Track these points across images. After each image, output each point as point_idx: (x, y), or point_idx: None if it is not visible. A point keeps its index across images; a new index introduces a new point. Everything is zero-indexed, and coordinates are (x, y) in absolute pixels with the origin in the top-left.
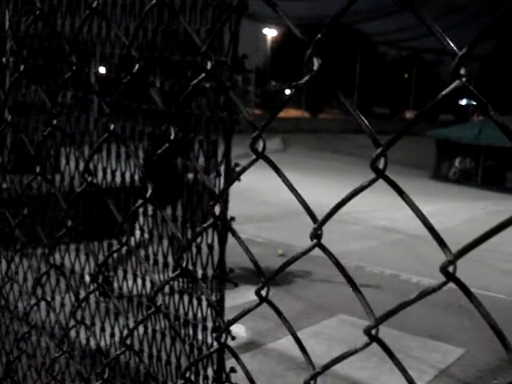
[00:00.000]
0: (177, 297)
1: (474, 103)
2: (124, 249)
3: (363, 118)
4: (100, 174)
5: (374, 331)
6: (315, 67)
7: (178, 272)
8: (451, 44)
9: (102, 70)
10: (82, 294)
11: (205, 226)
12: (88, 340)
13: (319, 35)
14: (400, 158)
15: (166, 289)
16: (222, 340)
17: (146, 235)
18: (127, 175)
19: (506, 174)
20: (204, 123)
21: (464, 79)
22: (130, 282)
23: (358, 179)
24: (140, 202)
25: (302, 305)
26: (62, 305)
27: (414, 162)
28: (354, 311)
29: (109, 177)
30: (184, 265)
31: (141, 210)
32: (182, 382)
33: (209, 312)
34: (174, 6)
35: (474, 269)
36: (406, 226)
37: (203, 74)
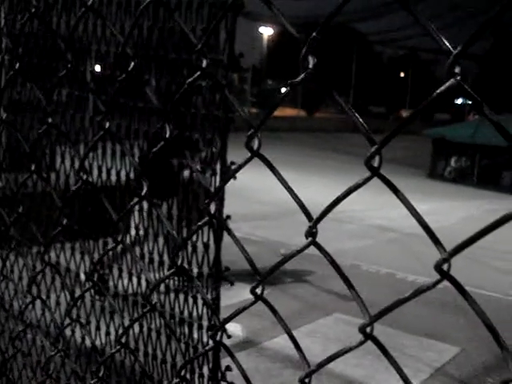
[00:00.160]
0: (172, 295)
1: (470, 102)
2: (119, 247)
3: (358, 116)
4: (94, 173)
5: (368, 329)
6: (310, 65)
7: (173, 270)
8: (446, 43)
9: (98, 68)
10: (78, 292)
11: (200, 224)
12: (83, 339)
13: (314, 34)
14: (397, 156)
15: (162, 287)
16: (218, 338)
17: (141, 233)
18: (122, 173)
19: (502, 172)
20: (200, 121)
21: (459, 78)
22: (126, 281)
23: (354, 178)
24: (136, 200)
25: (298, 304)
26: (58, 303)
27: (411, 160)
28: (349, 310)
29: (104, 175)
30: (179, 263)
31: (136, 207)
32: (178, 380)
33: (204, 311)
34: (169, 4)
35: (469, 267)
36: (401, 225)
37: (198, 73)
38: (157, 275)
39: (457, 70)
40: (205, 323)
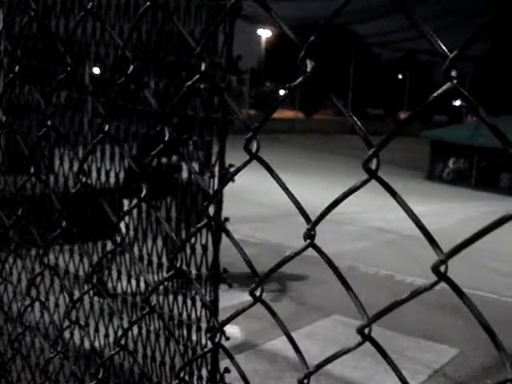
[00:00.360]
0: (171, 297)
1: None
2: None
3: (356, 119)
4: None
5: (366, 330)
6: (308, 69)
7: (172, 272)
8: (442, 46)
9: (96, 70)
10: (76, 294)
11: (199, 226)
12: (82, 341)
13: (312, 37)
14: (395, 158)
15: (160, 289)
16: (217, 340)
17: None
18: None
19: (500, 174)
20: (198, 124)
21: (455, 81)
22: (121, 282)
23: (352, 180)
24: (135, 201)
25: (296, 306)
26: (56, 305)
27: (410, 162)
28: (347, 312)
29: (100, 177)
30: (178, 265)
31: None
32: (177, 382)
33: (203, 313)
34: (168, 7)
35: (466, 269)
36: (399, 227)
37: (197, 76)
38: (152, 277)
39: (453, 73)
40: (203, 325)
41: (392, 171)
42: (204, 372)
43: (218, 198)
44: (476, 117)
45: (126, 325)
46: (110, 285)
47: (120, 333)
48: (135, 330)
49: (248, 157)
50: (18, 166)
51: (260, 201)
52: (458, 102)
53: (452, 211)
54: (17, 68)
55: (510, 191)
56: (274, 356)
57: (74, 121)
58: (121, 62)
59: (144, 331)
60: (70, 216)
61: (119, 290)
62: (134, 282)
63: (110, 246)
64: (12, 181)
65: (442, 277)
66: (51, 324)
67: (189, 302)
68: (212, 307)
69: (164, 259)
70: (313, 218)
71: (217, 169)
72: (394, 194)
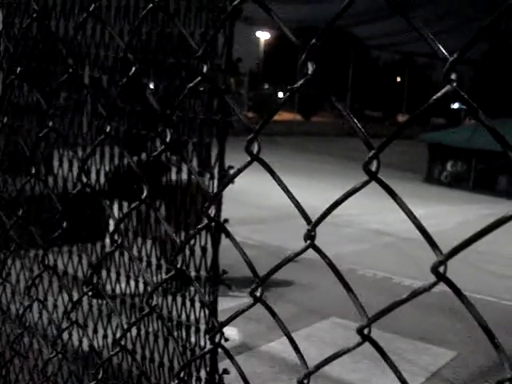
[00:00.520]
0: (170, 298)
1: (466, 107)
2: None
3: (356, 121)
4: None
5: (366, 331)
6: (309, 71)
7: (172, 273)
8: (442, 49)
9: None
10: (75, 295)
11: (199, 227)
12: (81, 342)
13: (313, 40)
14: (393, 161)
15: (159, 290)
16: (216, 340)
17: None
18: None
19: (498, 177)
20: (198, 125)
21: (455, 84)
22: (119, 283)
23: (351, 182)
24: (136, 203)
25: (295, 308)
26: (55, 306)
27: (408, 165)
28: (346, 314)
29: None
30: (179, 266)
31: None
32: (176, 382)
33: (202, 314)
34: (168, 9)
35: (465, 272)
36: (397, 229)
37: (199, 78)
38: (152, 278)
39: (453, 76)
40: (202, 327)
41: (390, 174)
42: (203, 373)
43: (217, 200)
44: (475, 119)
45: (125, 326)
46: (108, 286)
47: (119, 333)
48: (134, 331)
49: (248, 158)
50: (17, 167)
51: (259, 203)
52: (456, 105)
53: (450, 214)
54: (18, 69)
55: (507, 194)
56: (272, 358)
57: (73, 122)
58: (122, 64)
59: (143, 332)
60: (66, 217)
61: (118, 291)
62: (132, 283)
63: (105, 247)
64: (11, 181)
65: (441, 277)
66: (50, 325)
67: (188, 304)
68: (211, 308)
69: (159, 260)
70: (313, 220)
71: (216, 170)
72: (394, 195)
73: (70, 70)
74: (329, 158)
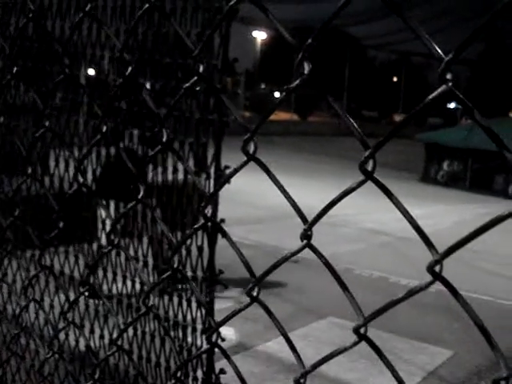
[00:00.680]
0: (165, 298)
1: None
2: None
3: (352, 121)
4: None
5: (362, 330)
6: (306, 71)
7: (169, 273)
8: (437, 49)
9: (91, 71)
10: (71, 295)
11: (196, 227)
12: (77, 342)
13: (310, 40)
14: (389, 161)
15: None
16: (213, 340)
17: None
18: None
19: (494, 177)
20: (194, 125)
21: (450, 84)
22: (116, 283)
23: (347, 182)
24: (133, 202)
25: (292, 307)
26: (51, 306)
27: (404, 165)
28: (343, 314)
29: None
30: (175, 266)
31: (102, 213)
32: (173, 381)
33: (198, 314)
34: (165, 8)
35: (460, 271)
36: (393, 229)
37: (195, 77)
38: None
39: (449, 76)
40: (199, 326)
41: (386, 174)
42: (199, 373)
43: (214, 199)
44: (471, 119)
45: (121, 326)
46: (105, 286)
47: (116, 333)
48: (130, 331)
49: (245, 158)
50: (12, 166)
51: (255, 203)
52: (452, 105)
53: (447, 213)
54: (15, 69)
55: (504, 193)
56: (269, 358)
57: (69, 122)
58: (118, 64)
59: (139, 332)
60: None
61: (106, 289)
62: (129, 283)
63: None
64: (7, 181)
65: (437, 277)
66: (46, 325)
67: (184, 304)
68: (208, 307)
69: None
70: (309, 219)
71: (212, 170)
72: (390, 195)
73: (67, 70)
74: (325, 157)
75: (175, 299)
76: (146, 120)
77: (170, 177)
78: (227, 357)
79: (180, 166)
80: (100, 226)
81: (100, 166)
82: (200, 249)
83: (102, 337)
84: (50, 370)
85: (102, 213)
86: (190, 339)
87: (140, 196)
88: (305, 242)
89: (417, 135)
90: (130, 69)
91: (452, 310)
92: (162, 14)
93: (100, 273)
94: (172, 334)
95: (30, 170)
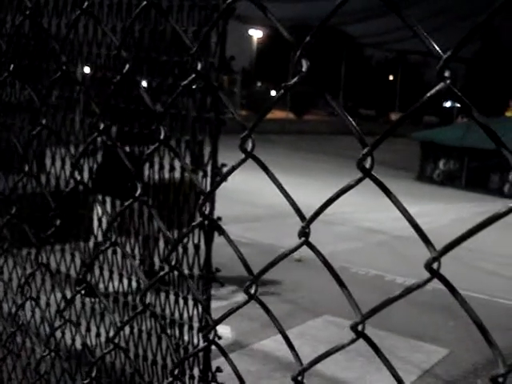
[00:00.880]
0: (162, 296)
1: (459, 105)
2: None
3: (351, 119)
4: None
5: (360, 327)
6: (304, 69)
7: (166, 271)
8: (436, 47)
9: (87, 69)
10: (68, 293)
11: (193, 224)
12: (74, 340)
13: (308, 38)
14: (386, 159)
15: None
16: (210, 338)
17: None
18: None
19: (490, 175)
20: (191, 123)
21: (449, 82)
22: (112, 282)
23: (345, 180)
24: (130, 201)
25: (288, 306)
26: (48, 304)
27: (400, 163)
28: (339, 312)
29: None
30: (173, 264)
31: (98, 210)
32: (171, 379)
33: (195, 312)
34: (161, 6)
35: (457, 270)
36: (390, 227)
37: (193, 75)
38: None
39: (447, 73)
40: (195, 325)
41: (383, 172)
42: (196, 371)
43: (211, 197)
44: (468, 117)
45: (117, 324)
46: (101, 285)
47: (112, 332)
48: (127, 329)
49: (242, 156)
50: (8, 164)
51: (252, 201)
52: (448, 103)
53: (443, 212)
54: (11, 67)
55: (500, 192)
56: (266, 356)
57: (65, 119)
58: (115, 61)
59: (136, 331)
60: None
61: (103, 287)
62: (125, 281)
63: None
64: (3, 179)
65: (435, 274)
66: (43, 323)
67: (181, 302)
68: (205, 305)
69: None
70: (307, 217)
71: (209, 168)
72: (388, 192)
73: (64, 68)
74: (323, 156)
75: (171, 297)
76: (141, 117)
77: (166, 175)
78: (225, 354)
79: (177, 164)
80: (96, 223)
81: (96, 163)
82: (197, 247)
83: (98, 335)
84: (47, 369)
85: (99, 210)
86: (186, 337)
87: (137, 194)
88: (303, 239)
89: (413, 134)
90: (127, 66)
91: (448, 309)
92: (160, 11)
93: (96, 271)
94: (169, 331)
95: (26, 168)
